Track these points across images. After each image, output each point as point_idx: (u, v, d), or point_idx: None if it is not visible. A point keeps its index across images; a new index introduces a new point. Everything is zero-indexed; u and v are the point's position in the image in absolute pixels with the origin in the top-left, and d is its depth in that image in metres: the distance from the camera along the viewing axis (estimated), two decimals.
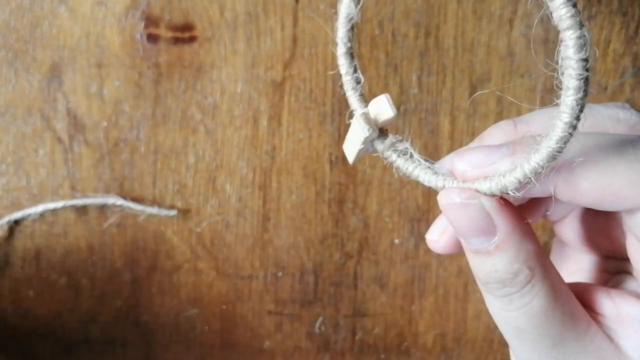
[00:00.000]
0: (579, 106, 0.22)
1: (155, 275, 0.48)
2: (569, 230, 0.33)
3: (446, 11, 0.46)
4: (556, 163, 0.24)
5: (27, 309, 0.48)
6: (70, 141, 0.46)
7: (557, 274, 0.27)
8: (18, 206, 0.46)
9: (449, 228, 0.28)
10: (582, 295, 0.28)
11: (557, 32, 0.21)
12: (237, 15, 0.45)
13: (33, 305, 0.48)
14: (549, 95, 0.47)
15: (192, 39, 0.45)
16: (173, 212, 0.46)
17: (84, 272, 0.48)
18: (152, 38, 0.45)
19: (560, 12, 0.21)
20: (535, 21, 0.46)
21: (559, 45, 0.22)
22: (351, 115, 0.29)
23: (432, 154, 0.47)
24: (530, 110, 0.47)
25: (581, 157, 0.25)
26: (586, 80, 0.22)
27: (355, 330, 0.49)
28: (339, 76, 0.47)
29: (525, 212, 0.31)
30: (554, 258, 0.35)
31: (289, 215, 0.47)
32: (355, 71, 0.29)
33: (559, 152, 0.23)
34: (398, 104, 0.47)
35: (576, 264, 0.34)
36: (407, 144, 0.29)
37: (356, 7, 0.27)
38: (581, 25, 0.21)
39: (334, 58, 0.46)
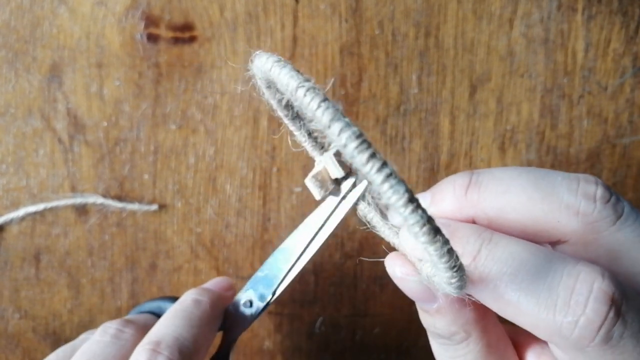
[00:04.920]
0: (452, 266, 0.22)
1: (155, 275, 0.48)
2: None
3: (446, 11, 0.46)
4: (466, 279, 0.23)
5: (27, 309, 0.48)
6: (70, 141, 0.46)
7: (497, 335, 0.28)
8: (18, 206, 0.47)
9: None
10: (520, 349, 0.30)
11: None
12: (237, 15, 0.45)
13: (33, 305, 0.48)
14: (549, 95, 0.47)
15: (192, 39, 0.45)
16: (154, 207, 0.46)
17: (84, 272, 0.48)
18: (152, 38, 0.45)
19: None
20: (535, 21, 0.46)
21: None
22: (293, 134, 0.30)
23: (432, 154, 0.47)
24: (530, 109, 0.47)
25: (505, 274, 0.25)
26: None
27: (355, 330, 0.49)
28: (338, 77, 0.47)
29: None
30: None
31: (289, 215, 0.47)
32: (300, 120, 0.30)
33: (452, 281, 0.23)
34: (398, 104, 0.47)
35: None
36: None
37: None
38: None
39: (333, 58, 0.46)
